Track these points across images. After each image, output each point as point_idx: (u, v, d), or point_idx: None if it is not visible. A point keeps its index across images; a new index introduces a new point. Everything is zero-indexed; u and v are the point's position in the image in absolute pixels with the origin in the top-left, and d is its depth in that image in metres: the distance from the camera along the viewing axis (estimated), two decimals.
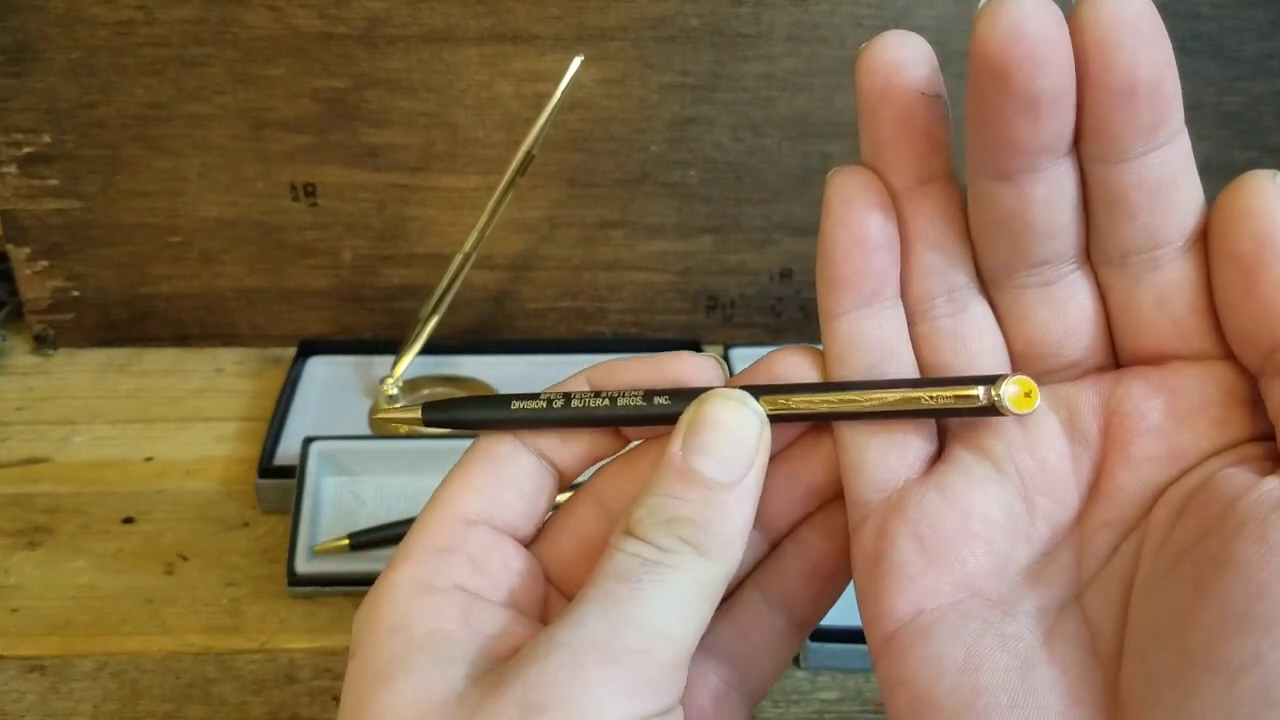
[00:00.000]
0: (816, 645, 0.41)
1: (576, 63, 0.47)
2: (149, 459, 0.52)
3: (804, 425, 0.25)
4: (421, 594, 0.23)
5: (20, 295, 0.58)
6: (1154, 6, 0.19)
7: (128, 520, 0.48)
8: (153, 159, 0.55)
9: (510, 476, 0.25)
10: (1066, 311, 0.23)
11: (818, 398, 0.23)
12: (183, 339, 0.60)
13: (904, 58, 0.22)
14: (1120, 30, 0.19)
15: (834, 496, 0.25)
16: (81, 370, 0.58)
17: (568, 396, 0.25)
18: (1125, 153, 0.20)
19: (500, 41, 0.52)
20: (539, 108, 0.47)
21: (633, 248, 0.58)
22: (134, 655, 0.42)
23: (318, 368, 0.57)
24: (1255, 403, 0.21)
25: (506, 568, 0.24)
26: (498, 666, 0.21)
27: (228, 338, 0.60)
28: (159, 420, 0.55)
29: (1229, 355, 0.21)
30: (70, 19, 0.51)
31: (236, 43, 0.52)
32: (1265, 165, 0.66)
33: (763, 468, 0.23)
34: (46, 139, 0.54)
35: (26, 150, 0.54)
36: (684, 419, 0.23)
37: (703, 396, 0.23)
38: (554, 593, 0.26)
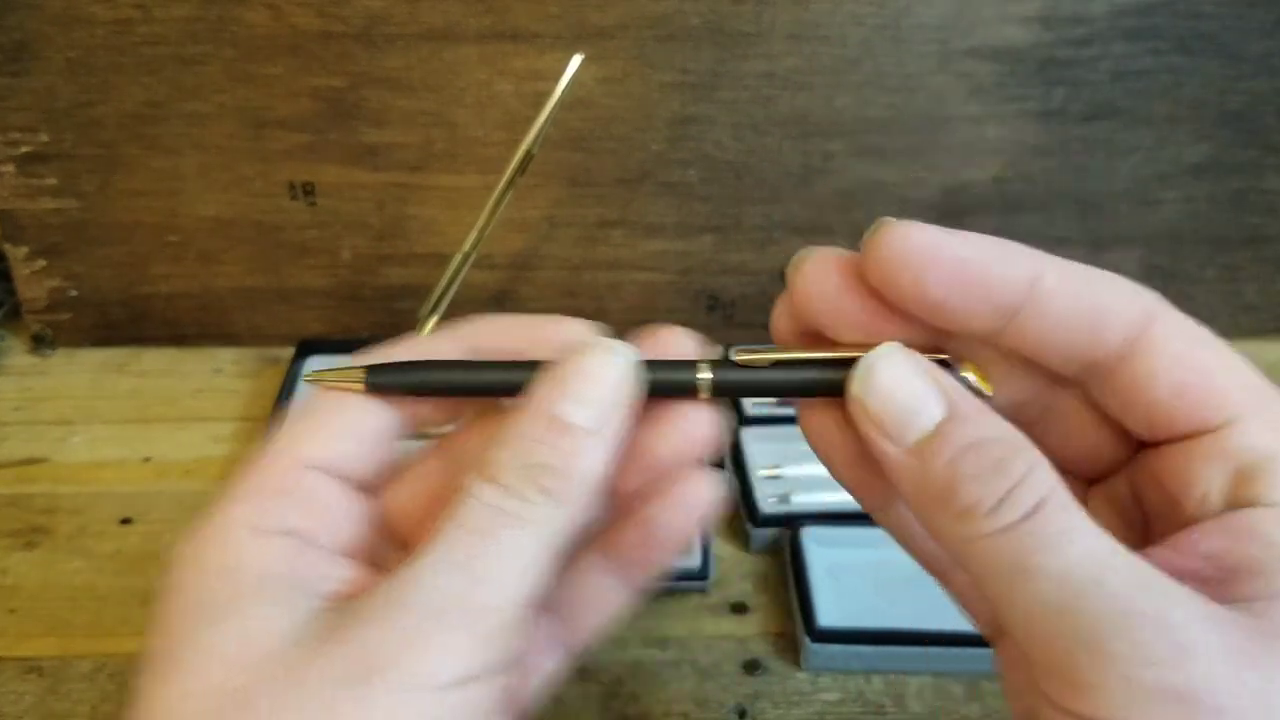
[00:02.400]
0: (818, 647, 0.41)
1: (576, 61, 0.46)
2: (147, 459, 0.52)
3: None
4: (252, 536, 0.22)
5: (18, 295, 0.58)
6: (923, 228, 0.22)
7: (126, 521, 0.48)
8: (151, 158, 0.54)
9: (357, 428, 0.25)
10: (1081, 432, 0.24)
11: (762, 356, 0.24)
12: (181, 339, 0.60)
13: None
14: (901, 267, 0.21)
15: (675, 470, 0.25)
16: (79, 370, 0.58)
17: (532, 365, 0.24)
18: (1000, 321, 0.22)
19: (500, 40, 0.52)
20: (539, 106, 0.47)
21: (633, 247, 0.58)
22: (132, 656, 0.41)
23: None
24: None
25: (342, 513, 0.24)
26: (335, 615, 0.21)
27: (226, 337, 0.60)
28: (157, 420, 0.55)
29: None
30: (68, 18, 0.51)
31: (235, 41, 0.52)
32: (1268, 164, 0.66)
33: (625, 417, 0.23)
34: (44, 138, 0.54)
35: (24, 149, 0.54)
36: (553, 366, 0.23)
37: (575, 346, 0.23)
38: (393, 541, 0.26)
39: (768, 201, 0.57)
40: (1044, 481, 0.20)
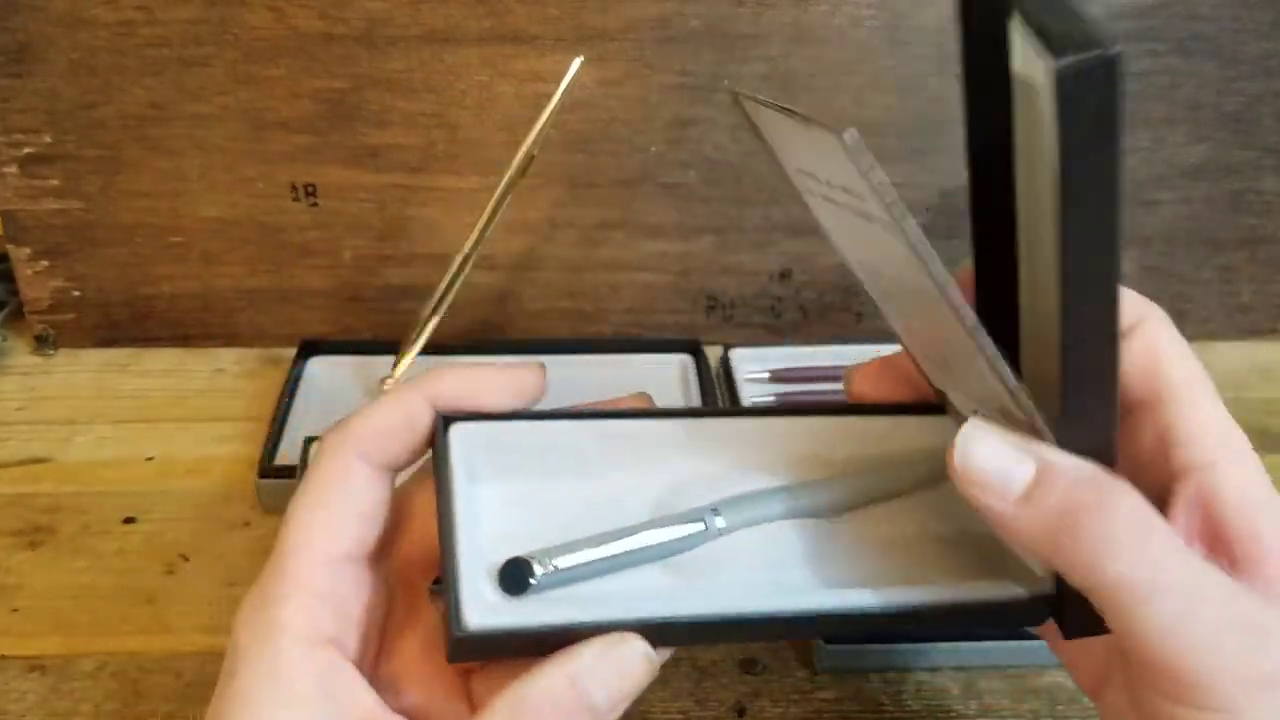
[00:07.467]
0: (832, 647, 0.41)
1: (577, 63, 0.47)
2: (150, 459, 0.52)
3: None
4: (298, 647, 0.25)
5: (21, 295, 0.59)
6: None
7: (129, 520, 0.48)
8: (153, 159, 0.55)
9: (361, 506, 0.28)
10: None
11: None
12: (183, 339, 0.60)
13: None
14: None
15: None
16: (82, 370, 0.58)
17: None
18: None
19: (501, 42, 0.52)
20: (539, 108, 0.47)
21: (633, 248, 0.58)
22: (135, 655, 0.42)
23: (318, 368, 0.57)
24: None
25: (365, 604, 0.27)
26: None
27: (228, 338, 0.60)
28: (160, 420, 0.55)
29: None
30: (71, 19, 0.51)
31: (237, 43, 0.52)
32: (1265, 165, 0.66)
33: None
34: (47, 139, 0.54)
35: (27, 150, 0.54)
36: (594, 649, 0.25)
37: (616, 638, 0.25)
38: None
39: (767, 203, 0.57)
40: (1144, 511, 0.24)
